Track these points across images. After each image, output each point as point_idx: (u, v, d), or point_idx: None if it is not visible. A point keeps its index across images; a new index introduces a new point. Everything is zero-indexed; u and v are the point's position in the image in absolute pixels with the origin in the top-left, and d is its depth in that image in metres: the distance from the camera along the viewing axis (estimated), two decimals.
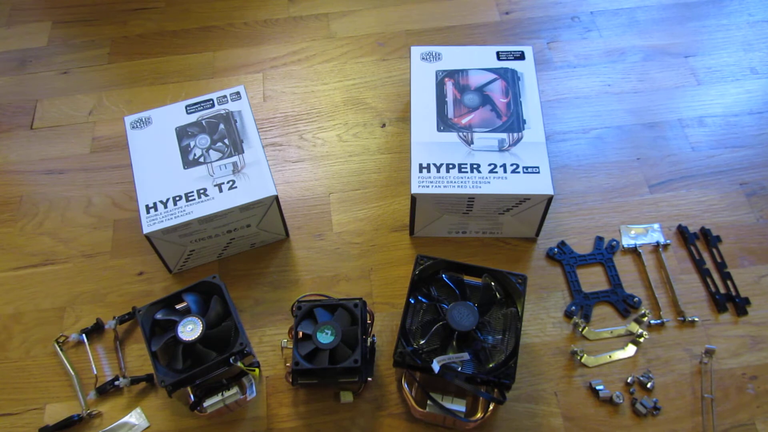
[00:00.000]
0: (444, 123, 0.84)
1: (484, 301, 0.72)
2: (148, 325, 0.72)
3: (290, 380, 0.72)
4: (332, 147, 0.97)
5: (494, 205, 0.80)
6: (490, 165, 0.79)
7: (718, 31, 1.09)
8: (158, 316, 0.73)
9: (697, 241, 0.86)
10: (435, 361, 0.66)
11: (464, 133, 0.83)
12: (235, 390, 0.72)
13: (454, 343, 0.69)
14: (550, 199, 0.78)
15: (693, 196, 0.90)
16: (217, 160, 0.81)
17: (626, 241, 0.86)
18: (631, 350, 0.77)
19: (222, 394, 0.71)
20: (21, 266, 0.87)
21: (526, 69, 0.89)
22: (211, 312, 0.73)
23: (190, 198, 0.78)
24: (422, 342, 0.70)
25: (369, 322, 0.74)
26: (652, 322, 0.79)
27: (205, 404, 0.71)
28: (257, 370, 0.74)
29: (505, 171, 0.79)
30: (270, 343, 0.80)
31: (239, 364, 0.71)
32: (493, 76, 0.88)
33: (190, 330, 0.70)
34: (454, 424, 0.71)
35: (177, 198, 0.78)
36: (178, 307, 0.75)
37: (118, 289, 0.84)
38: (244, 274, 0.85)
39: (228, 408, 0.72)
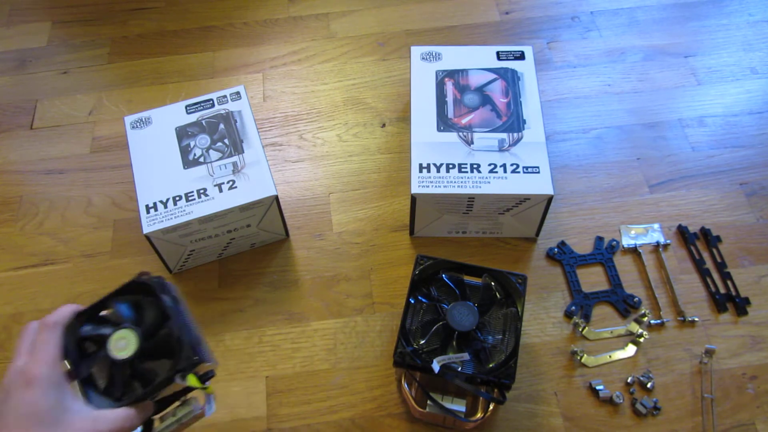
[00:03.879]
0: (444, 123, 0.84)
1: (484, 301, 0.72)
2: (72, 344, 0.56)
3: None
4: (332, 147, 0.97)
5: (494, 205, 0.80)
6: (490, 165, 0.79)
7: (718, 31, 1.09)
8: (85, 330, 0.58)
9: (697, 241, 0.86)
10: (435, 361, 0.66)
11: (464, 133, 0.83)
12: (190, 408, 0.59)
13: (454, 343, 0.69)
14: (550, 199, 0.78)
15: (693, 196, 0.90)
16: (217, 160, 0.81)
17: (626, 241, 0.86)
18: (631, 350, 0.78)
19: (175, 414, 0.59)
20: (21, 266, 0.87)
21: (526, 69, 0.89)
22: (145, 319, 0.59)
23: (190, 198, 0.78)
24: (422, 342, 0.70)
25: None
26: (652, 322, 0.79)
27: (157, 429, 0.59)
28: (210, 387, 0.60)
29: (505, 171, 0.79)
30: (270, 343, 0.80)
31: (189, 381, 0.56)
32: (493, 76, 0.88)
33: (122, 346, 0.56)
34: (454, 424, 0.71)
35: (177, 198, 0.78)
36: (103, 313, 0.61)
37: None
38: (244, 274, 0.85)
39: (186, 425, 0.60)
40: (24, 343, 0.53)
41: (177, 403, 0.60)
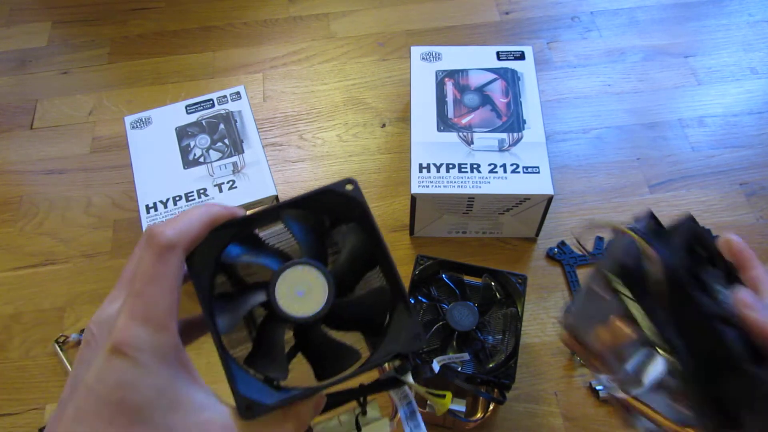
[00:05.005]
0: (444, 123, 0.84)
1: (484, 301, 0.72)
2: (207, 274, 0.34)
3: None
4: (332, 147, 0.97)
5: (494, 205, 0.80)
6: (490, 165, 0.79)
7: (718, 31, 1.09)
8: (234, 254, 0.35)
9: None
10: (435, 361, 0.66)
11: (464, 133, 0.83)
12: (382, 421, 0.38)
13: (454, 343, 0.69)
14: (550, 199, 0.78)
15: (693, 196, 0.90)
16: (217, 160, 0.81)
17: None
18: None
19: (356, 421, 0.37)
20: (21, 266, 0.87)
21: (526, 69, 0.89)
22: (351, 252, 0.36)
23: (190, 198, 0.78)
24: None
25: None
26: None
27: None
28: (448, 396, 0.39)
29: (505, 171, 0.79)
30: None
31: (408, 377, 0.36)
32: (493, 76, 0.88)
33: (301, 296, 0.34)
34: (454, 424, 0.71)
35: (177, 198, 0.78)
36: (264, 234, 0.38)
37: None
38: None
39: None
40: (124, 275, 0.33)
41: (353, 408, 0.39)
